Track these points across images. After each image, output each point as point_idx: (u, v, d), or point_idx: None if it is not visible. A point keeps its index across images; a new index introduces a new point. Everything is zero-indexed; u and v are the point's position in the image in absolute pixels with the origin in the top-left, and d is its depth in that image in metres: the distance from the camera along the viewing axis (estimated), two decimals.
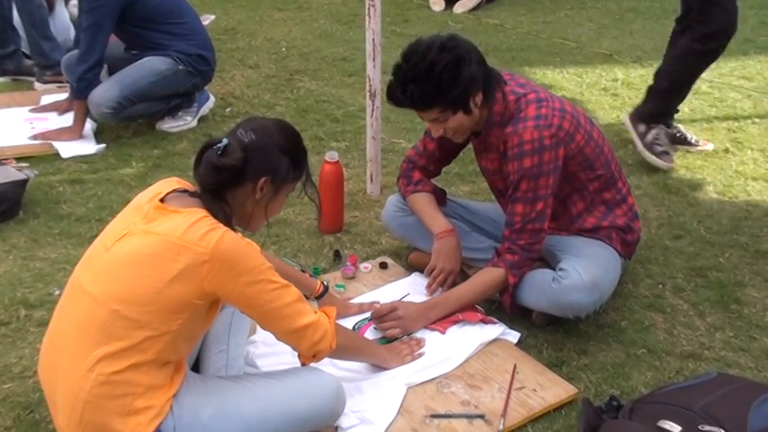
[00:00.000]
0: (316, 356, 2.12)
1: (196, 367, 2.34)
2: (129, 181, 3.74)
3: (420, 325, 2.68)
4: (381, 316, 2.65)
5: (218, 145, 2.04)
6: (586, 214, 2.81)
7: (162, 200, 2.02)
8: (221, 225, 1.96)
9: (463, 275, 2.89)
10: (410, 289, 2.92)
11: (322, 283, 2.67)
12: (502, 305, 2.73)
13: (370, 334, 2.67)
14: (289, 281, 2.62)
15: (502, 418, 2.30)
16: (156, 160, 3.95)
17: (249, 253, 1.98)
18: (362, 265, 3.05)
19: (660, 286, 3.02)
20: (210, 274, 1.92)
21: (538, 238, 2.64)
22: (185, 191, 2.07)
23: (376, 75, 3.41)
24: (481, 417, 2.32)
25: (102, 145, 4.07)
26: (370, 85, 3.43)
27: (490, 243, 2.93)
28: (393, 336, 2.61)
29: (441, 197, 3.00)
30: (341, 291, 2.91)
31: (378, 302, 2.83)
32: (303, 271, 2.91)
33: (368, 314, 2.76)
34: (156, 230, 1.94)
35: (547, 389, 2.42)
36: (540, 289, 2.62)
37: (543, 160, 2.56)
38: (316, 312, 2.11)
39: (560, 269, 2.60)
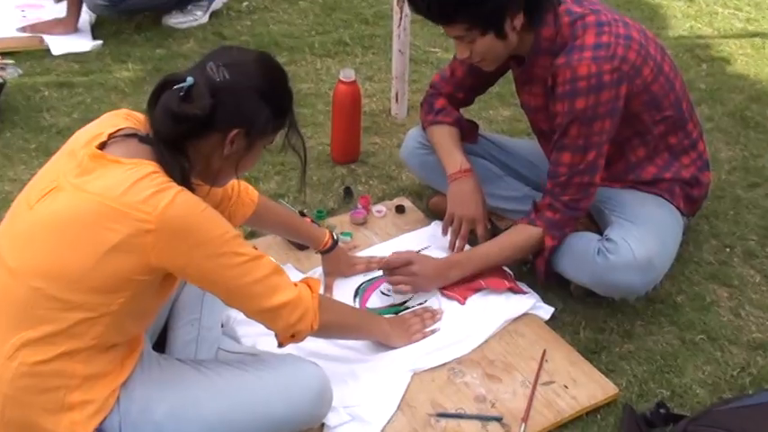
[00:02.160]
0: (295, 337, 1.73)
1: (164, 339, 1.98)
2: (123, 87, 3.29)
3: (436, 285, 2.26)
4: (393, 268, 2.22)
5: (181, 85, 1.58)
6: (647, 163, 2.30)
7: (102, 144, 1.59)
8: (173, 184, 1.53)
9: (493, 228, 2.45)
10: (429, 241, 2.48)
11: (331, 234, 2.25)
12: (534, 269, 2.29)
13: (376, 299, 2.26)
14: (290, 231, 2.24)
15: (523, 423, 1.90)
16: (156, 62, 3.48)
17: (208, 219, 1.56)
18: (375, 209, 2.61)
19: (727, 250, 2.53)
20: (158, 247, 1.51)
21: (587, 193, 2.16)
22: (134, 134, 1.63)
23: None
24: (497, 420, 1.91)
25: (99, 41, 3.60)
26: None
27: (527, 191, 2.45)
28: (403, 292, 2.20)
29: (469, 131, 2.51)
30: (347, 240, 2.48)
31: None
32: (303, 215, 2.49)
33: (375, 273, 2.35)
34: (89, 188, 1.52)
35: (580, 385, 2.00)
36: (581, 260, 2.16)
37: (600, 101, 2.05)
38: (296, 285, 1.71)
39: (608, 239, 2.13)
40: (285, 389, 1.76)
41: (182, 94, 1.57)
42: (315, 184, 2.76)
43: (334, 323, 1.88)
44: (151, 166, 1.54)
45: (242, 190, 2.04)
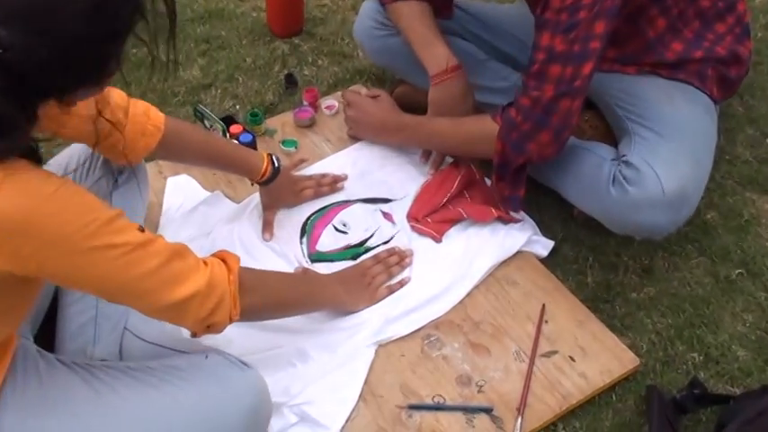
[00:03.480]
0: (211, 329, 1.28)
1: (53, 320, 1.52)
2: None
3: (373, 139, 1.96)
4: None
5: None
6: (671, 36, 1.74)
7: None
8: None
9: None
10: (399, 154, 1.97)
11: (270, 159, 1.72)
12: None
13: (328, 238, 1.77)
14: (213, 160, 1.72)
15: (519, 415, 1.48)
16: None
17: (62, 206, 1.07)
18: (325, 104, 2.06)
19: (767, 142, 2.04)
20: None
21: (569, 91, 1.54)
22: None
23: None
24: (487, 411, 1.49)
25: None
26: None
27: (516, 79, 1.90)
28: None
29: (442, 5, 1.91)
30: (292, 151, 1.96)
31: (345, 175, 1.90)
32: (233, 120, 1.95)
33: (327, 200, 1.85)
34: None
35: (591, 356, 1.57)
36: (589, 187, 1.66)
37: None
38: (206, 264, 1.24)
39: (625, 162, 1.61)
40: (207, 411, 1.30)
41: None
42: (249, 68, 2.19)
43: (264, 305, 1.41)
44: None
45: (139, 113, 1.48)
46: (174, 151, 1.62)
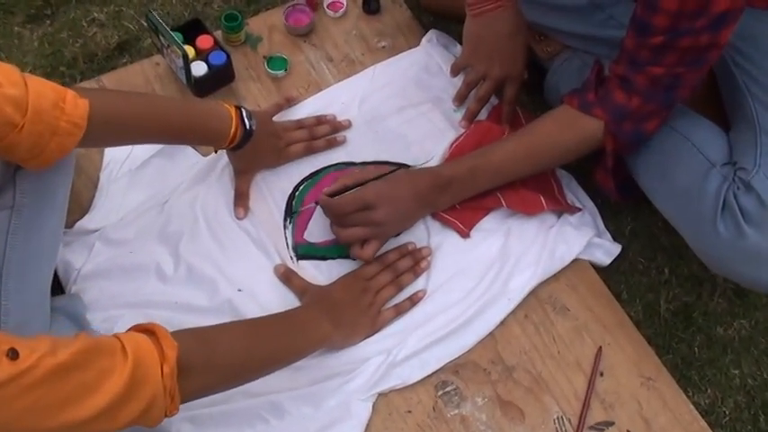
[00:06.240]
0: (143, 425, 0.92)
1: None
2: None
3: (413, 224, 1.31)
4: (342, 213, 1.23)
5: None
6: None
7: None
8: None
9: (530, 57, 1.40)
10: (419, 73, 1.45)
11: (239, 115, 1.21)
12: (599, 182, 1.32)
13: (321, 220, 1.32)
14: (159, 137, 1.21)
15: None
16: None
17: None
18: (328, 0, 1.51)
19: None
20: None
21: (698, 62, 1.08)
22: None
23: None
24: None
25: None
26: None
27: None
28: (364, 258, 1.26)
29: None
30: (280, 75, 1.44)
31: (347, 121, 1.41)
32: (202, 27, 1.43)
33: (325, 159, 1.38)
34: None
35: None
36: (682, 202, 1.17)
37: None
38: (125, 353, 0.86)
39: (744, 182, 1.10)
40: None
41: None
42: None
43: (216, 382, 1.02)
44: None
45: (45, 107, 0.97)
46: (104, 142, 1.19)
